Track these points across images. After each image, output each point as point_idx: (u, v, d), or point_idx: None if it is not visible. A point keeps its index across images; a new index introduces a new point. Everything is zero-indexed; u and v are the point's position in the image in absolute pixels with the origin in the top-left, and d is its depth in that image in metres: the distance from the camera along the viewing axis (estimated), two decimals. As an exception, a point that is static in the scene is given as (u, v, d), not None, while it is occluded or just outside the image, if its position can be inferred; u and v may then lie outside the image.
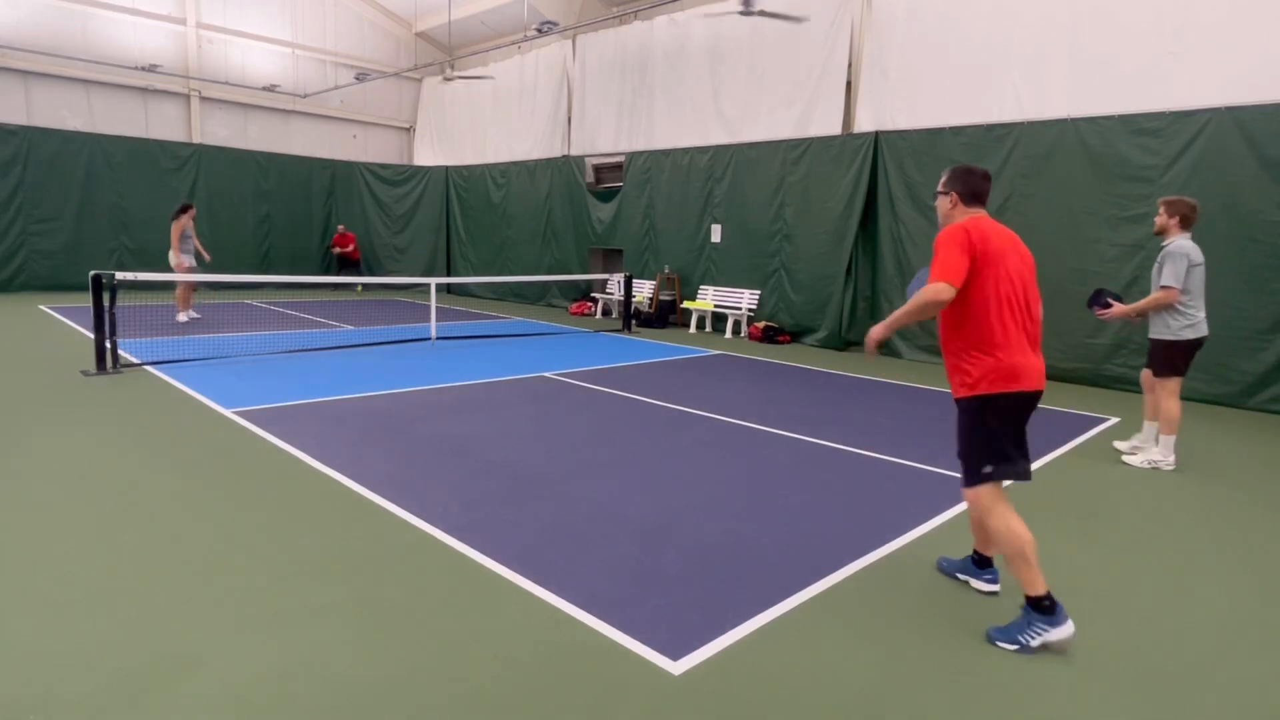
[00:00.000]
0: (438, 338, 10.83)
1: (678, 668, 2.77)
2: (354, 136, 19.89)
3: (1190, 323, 5.34)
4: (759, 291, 12.60)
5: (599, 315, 14.96)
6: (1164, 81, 8.49)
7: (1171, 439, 5.55)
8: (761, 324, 12.17)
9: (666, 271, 13.85)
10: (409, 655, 2.80)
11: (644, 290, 14.17)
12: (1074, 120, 9.06)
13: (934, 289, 2.98)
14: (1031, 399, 3.09)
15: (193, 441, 5.40)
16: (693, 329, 13.20)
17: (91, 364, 7.62)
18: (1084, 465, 5.67)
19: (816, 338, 11.82)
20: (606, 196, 15.32)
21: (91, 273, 7.73)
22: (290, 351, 9.35)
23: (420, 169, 19.11)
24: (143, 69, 15.88)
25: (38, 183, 14.65)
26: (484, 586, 3.36)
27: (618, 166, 15.04)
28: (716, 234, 13.23)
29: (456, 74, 16.38)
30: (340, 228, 18.23)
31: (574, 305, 15.39)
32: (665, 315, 13.71)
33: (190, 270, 11.21)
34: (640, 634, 2.98)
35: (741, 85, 12.89)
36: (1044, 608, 2.94)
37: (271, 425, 5.84)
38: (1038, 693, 2.72)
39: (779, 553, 3.82)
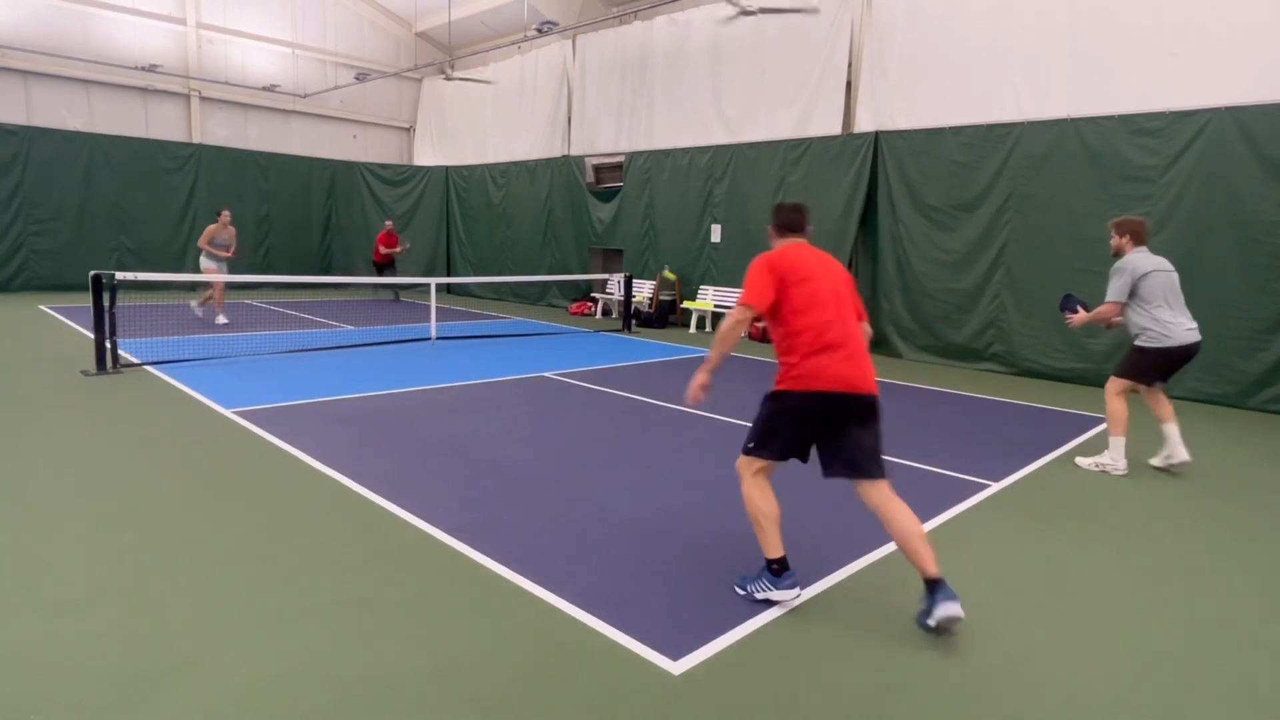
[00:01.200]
0: (438, 338, 10.84)
1: (678, 668, 2.77)
2: (354, 136, 19.89)
3: (1162, 332, 5.29)
4: (759, 291, 12.57)
5: (599, 315, 14.96)
6: (1164, 81, 8.49)
7: (1121, 441, 5.46)
8: (762, 324, 12.15)
9: (665, 271, 13.85)
10: (409, 655, 2.80)
11: (644, 290, 14.17)
12: (1074, 120, 9.06)
13: (734, 312, 3.42)
14: (836, 401, 3.25)
15: (193, 441, 5.40)
16: (693, 329, 13.20)
17: (91, 364, 7.62)
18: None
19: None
20: (606, 196, 15.32)
21: (91, 273, 7.73)
22: (290, 351, 9.35)
23: (420, 169, 19.11)
24: (143, 69, 15.88)
25: (38, 183, 14.65)
26: (484, 586, 3.36)
27: (618, 166, 15.04)
28: (716, 234, 13.23)
29: (457, 75, 16.38)
30: (389, 224, 16.25)
31: (574, 305, 15.39)
32: (665, 315, 13.71)
33: (214, 272, 11.19)
34: (640, 634, 2.98)
35: (741, 85, 12.89)
36: (773, 570, 3.32)
37: (271, 425, 5.84)
38: (1038, 693, 2.72)
39: (779, 553, 3.82)
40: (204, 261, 11.26)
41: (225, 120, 17.57)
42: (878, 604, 3.34)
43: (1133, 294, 5.35)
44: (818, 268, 3.43)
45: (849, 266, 11.31)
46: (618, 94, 15.03)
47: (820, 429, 3.32)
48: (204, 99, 17.10)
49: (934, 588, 3.07)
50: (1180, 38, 8.37)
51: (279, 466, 4.92)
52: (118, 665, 2.67)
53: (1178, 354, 5.29)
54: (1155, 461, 5.59)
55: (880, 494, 3.29)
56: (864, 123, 11.24)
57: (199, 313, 11.87)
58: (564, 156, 16.08)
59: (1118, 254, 5.51)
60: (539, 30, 13.22)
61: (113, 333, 7.66)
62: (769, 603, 3.30)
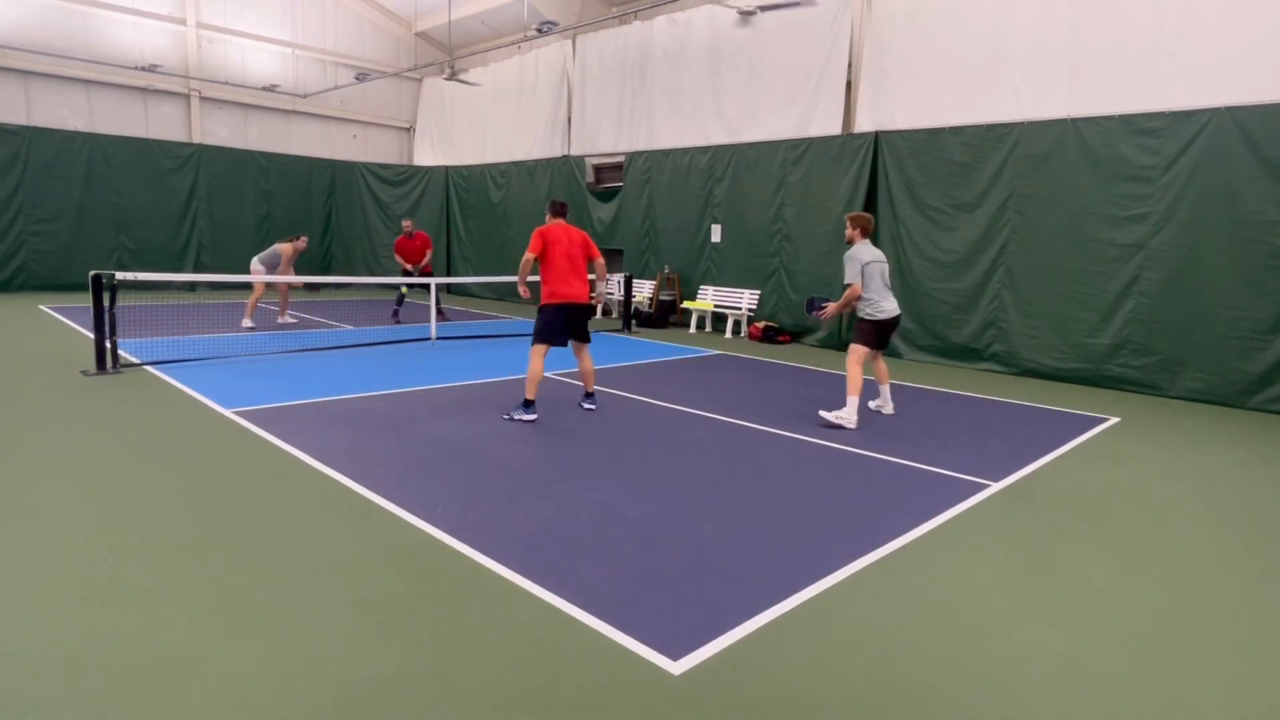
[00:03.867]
0: (438, 338, 10.84)
1: (678, 668, 2.77)
2: (354, 136, 19.89)
3: (876, 308, 6.66)
4: (759, 291, 12.60)
5: (599, 315, 14.96)
6: (1164, 81, 8.49)
7: (855, 401, 6.53)
8: (761, 324, 12.17)
9: (666, 271, 13.85)
10: (409, 655, 2.80)
11: (644, 290, 14.17)
12: (1074, 120, 9.06)
13: (525, 258, 6.27)
14: (570, 308, 6.34)
15: (193, 441, 5.40)
16: (693, 329, 13.20)
17: (91, 364, 7.63)
18: (1084, 465, 5.67)
19: (816, 338, 11.82)
20: (606, 196, 15.33)
21: (91, 272, 7.72)
22: (290, 351, 9.36)
23: (420, 169, 19.11)
24: (143, 69, 15.88)
25: (38, 183, 14.65)
26: (484, 586, 3.36)
27: (618, 166, 15.04)
28: (716, 234, 13.23)
29: (455, 76, 16.37)
30: (407, 225, 13.56)
31: (574, 305, 15.36)
32: (665, 315, 13.71)
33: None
34: (640, 634, 2.98)
35: (741, 85, 12.88)
36: (527, 402, 6.23)
37: (271, 425, 5.84)
38: (1038, 693, 2.72)
39: (779, 553, 3.82)
40: (258, 266, 11.25)
41: (225, 120, 17.56)
42: (877, 604, 3.34)
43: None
44: (564, 236, 6.42)
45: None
46: (618, 94, 15.02)
47: (566, 322, 6.36)
48: (204, 99, 17.10)
49: (589, 396, 6.72)
50: (1180, 38, 8.37)
51: (279, 466, 4.92)
52: (118, 665, 2.67)
53: (887, 324, 6.73)
54: (871, 404, 7.17)
55: (583, 350, 6.64)
56: (864, 123, 11.24)
57: (288, 319, 12.16)
58: (564, 156, 16.09)
59: (850, 243, 6.82)
60: (539, 30, 13.21)
61: (113, 333, 7.66)
62: (520, 422, 6.17)
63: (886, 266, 6.83)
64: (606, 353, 10.23)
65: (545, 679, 2.68)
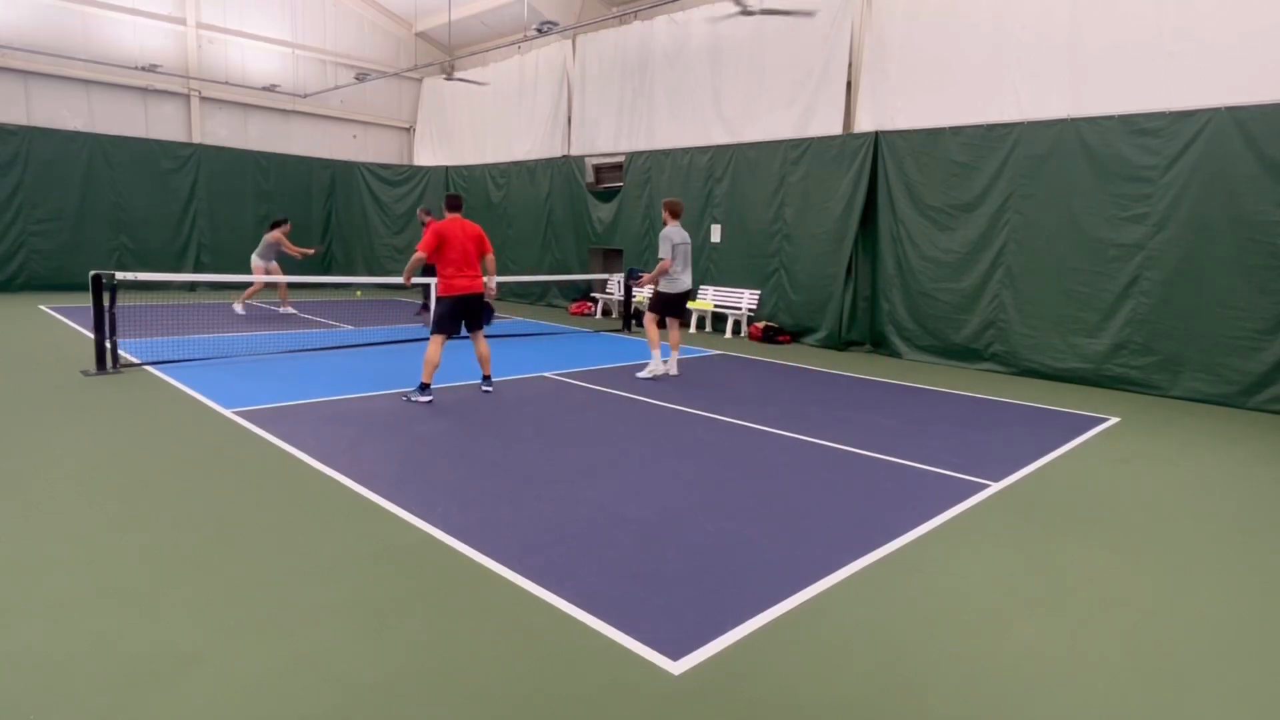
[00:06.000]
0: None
1: (678, 668, 2.77)
2: (354, 136, 19.89)
3: (673, 282, 8.25)
4: (759, 291, 12.60)
5: (599, 315, 14.95)
6: (1164, 81, 8.49)
7: (656, 354, 8.31)
8: (761, 324, 12.17)
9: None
10: (409, 655, 2.80)
11: (644, 290, 14.15)
12: (1074, 120, 9.06)
13: (416, 255, 6.77)
14: (465, 299, 6.88)
15: (193, 441, 5.40)
16: (693, 329, 13.20)
17: (91, 364, 7.63)
18: (1084, 465, 5.67)
19: (816, 338, 11.82)
20: (606, 196, 15.32)
21: (91, 272, 7.72)
22: (290, 351, 9.35)
23: (420, 169, 19.10)
24: (143, 69, 15.88)
25: (38, 183, 14.64)
26: (484, 586, 3.36)
27: (618, 166, 15.04)
28: (716, 234, 13.22)
29: (457, 76, 16.37)
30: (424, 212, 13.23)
31: (574, 305, 15.39)
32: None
33: (265, 273, 12.81)
34: (640, 634, 2.98)
35: (741, 85, 12.88)
36: (424, 386, 6.80)
37: (271, 425, 5.84)
38: (1038, 693, 2.72)
39: (779, 553, 3.82)
40: (259, 262, 12.85)
41: (225, 120, 17.56)
42: (877, 604, 3.34)
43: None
44: (460, 231, 6.83)
45: (849, 266, 11.33)
46: (618, 94, 15.02)
47: (462, 312, 6.93)
48: (204, 99, 17.10)
49: (487, 380, 7.34)
50: (1180, 38, 8.37)
51: (279, 466, 4.92)
52: (118, 665, 2.67)
53: (678, 297, 8.36)
54: (651, 371, 8.32)
55: (479, 336, 7.20)
56: (864, 123, 11.24)
57: (287, 310, 13.69)
58: (564, 156, 16.08)
59: (664, 225, 8.27)
60: (539, 30, 13.21)
61: (113, 333, 7.66)
62: (406, 398, 6.84)
63: (689, 248, 8.38)
64: (607, 353, 10.23)
65: (545, 679, 2.68)
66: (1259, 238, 7.83)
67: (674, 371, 8.35)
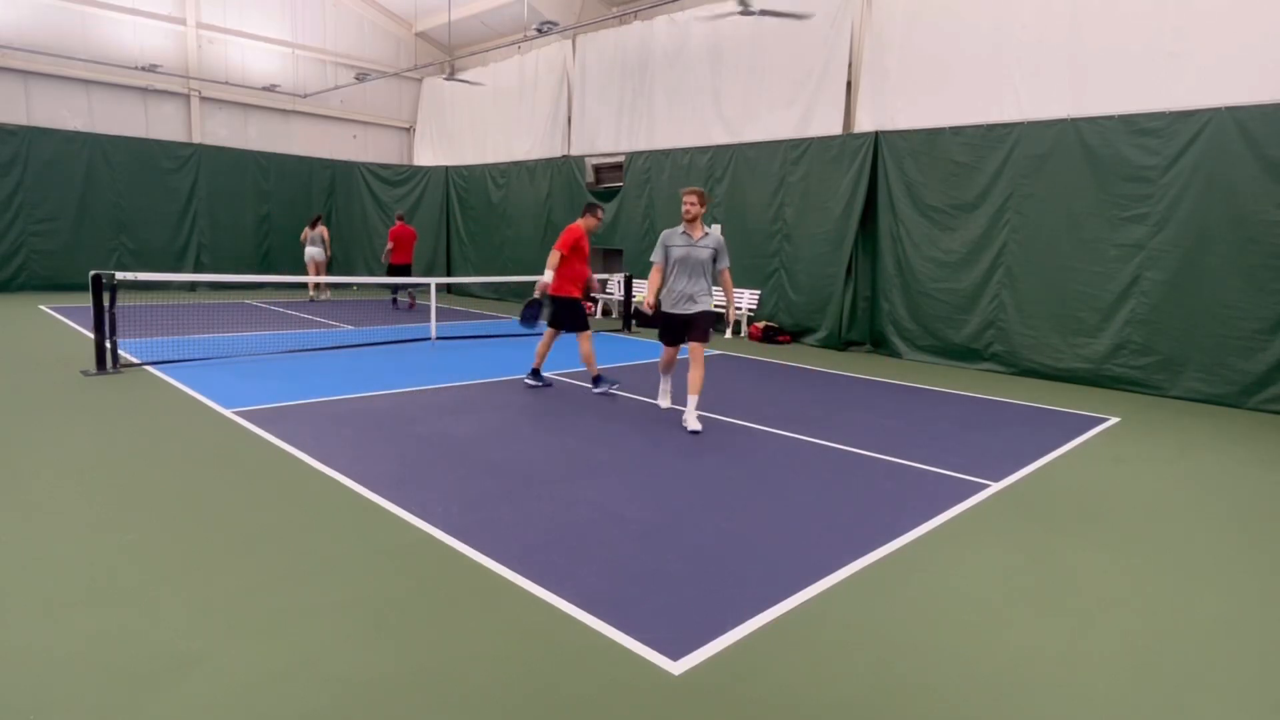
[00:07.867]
0: (438, 338, 10.84)
1: (678, 668, 2.77)
2: (354, 136, 19.89)
3: (672, 299, 6.76)
4: (759, 291, 12.60)
5: (599, 315, 14.95)
6: (1164, 81, 8.49)
7: (693, 403, 6.33)
8: (761, 324, 12.17)
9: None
10: (409, 655, 2.80)
11: (644, 290, 14.15)
12: (1074, 120, 9.06)
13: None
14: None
15: (193, 441, 5.40)
16: (693, 329, 13.17)
17: (91, 364, 7.63)
18: (1084, 465, 5.67)
19: (816, 338, 11.81)
20: (606, 196, 15.32)
21: (91, 272, 7.72)
22: (290, 351, 9.35)
23: (420, 169, 19.10)
24: (143, 69, 15.88)
25: (38, 183, 14.65)
26: (484, 586, 3.36)
27: (618, 166, 15.04)
28: (716, 234, 13.20)
29: (457, 76, 16.38)
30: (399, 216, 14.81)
31: (574, 305, 15.37)
32: (665, 315, 13.70)
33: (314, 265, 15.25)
34: (640, 634, 2.98)
35: (741, 85, 12.88)
36: (597, 378, 7.55)
37: (271, 425, 5.84)
38: (1038, 693, 2.72)
39: (779, 553, 3.82)
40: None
41: (225, 120, 17.57)
42: (877, 604, 3.34)
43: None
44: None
45: (849, 266, 11.33)
46: (618, 94, 15.02)
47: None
48: (204, 99, 17.10)
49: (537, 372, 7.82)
50: (1180, 38, 8.38)
51: (279, 466, 4.92)
52: (118, 665, 2.67)
53: (682, 319, 6.74)
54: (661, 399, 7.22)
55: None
56: (864, 123, 11.24)
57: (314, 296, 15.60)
58: (564, 156, 16.08)
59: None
60: (539, 30, 13.21)
61: (113, 333, 7.66)
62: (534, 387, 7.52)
63: (699, 254, 7.11)
64: (607, 353, 10.23)
65: (545, 679, 2.68)
66: (1259, 238, 7.83)
67: (690, 425, 6.19)
